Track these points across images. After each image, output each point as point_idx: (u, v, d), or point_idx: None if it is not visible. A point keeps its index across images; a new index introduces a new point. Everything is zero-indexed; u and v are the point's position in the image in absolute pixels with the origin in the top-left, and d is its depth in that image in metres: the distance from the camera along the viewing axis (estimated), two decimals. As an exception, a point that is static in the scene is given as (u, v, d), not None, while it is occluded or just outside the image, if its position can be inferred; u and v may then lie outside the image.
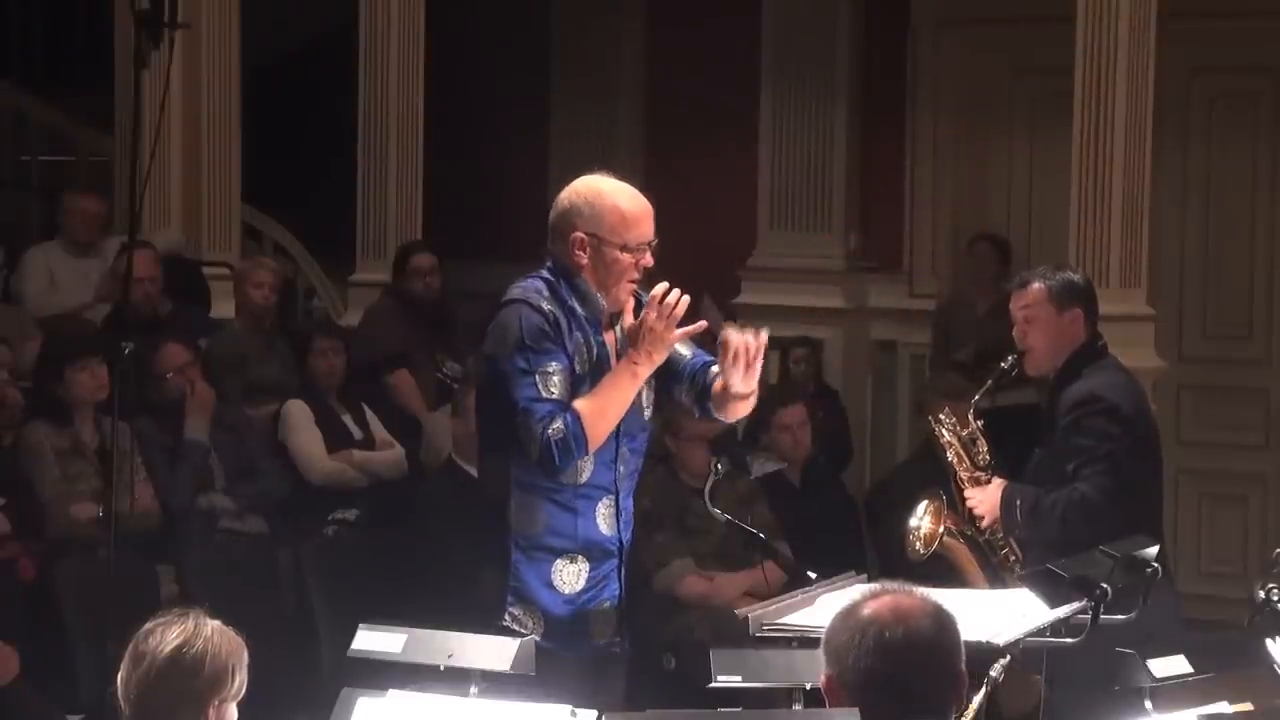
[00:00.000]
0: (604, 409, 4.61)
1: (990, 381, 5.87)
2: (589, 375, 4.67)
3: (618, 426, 4.69)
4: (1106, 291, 7.69)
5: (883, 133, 10.34)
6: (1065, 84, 8.24)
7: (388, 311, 8.94)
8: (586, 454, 4.60)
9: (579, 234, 4.69)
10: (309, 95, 11.14)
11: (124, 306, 6.93)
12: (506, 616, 4.63)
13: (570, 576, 4.67)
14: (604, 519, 4.71)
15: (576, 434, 4.54)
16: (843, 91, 10.25)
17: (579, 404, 4.58)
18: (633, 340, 4.61)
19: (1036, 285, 5.75)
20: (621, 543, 4.77)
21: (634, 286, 4.73)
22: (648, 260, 4.73)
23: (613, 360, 4.70)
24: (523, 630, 4.60)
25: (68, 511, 6.92)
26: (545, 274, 4.74)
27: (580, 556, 4.68)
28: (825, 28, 10.25)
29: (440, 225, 9.77)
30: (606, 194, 4.73)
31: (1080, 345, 5.74)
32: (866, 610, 3.10)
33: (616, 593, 4.75)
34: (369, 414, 8.24)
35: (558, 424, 4.53)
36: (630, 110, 11.07)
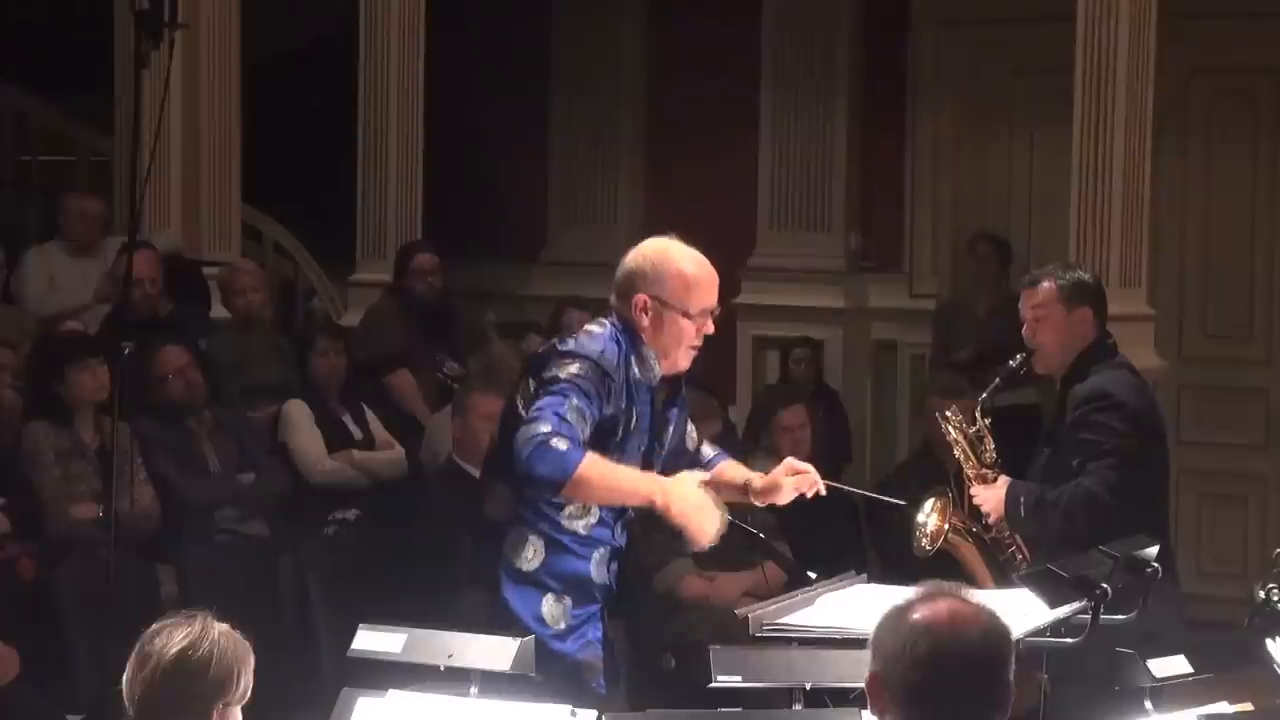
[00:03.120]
0: (609, 482, 4.54)
1: (998, 380, 5.87)
2: (630, 438, 4.67)
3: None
4: (1106, 291, 7.70)
5: (883, 133, 10.34)
6: (1065, 84, 8.24)
7: (388, 311, 8.94)
8: (557, 492, 4.51)
9: (642, 296, 4.68)
10: (309, 95, 11.14)
11: (124, 307, 6.93)
12: None
13: (557, 614, 4.68)
14: (597, 565, 4.74)
15: (571, 462, 4.43)
16: (843, 91, 10.25)
17: (597, 456, 4.51)
18: (672, 512, 4.56)
19: (1046, 284, 5.74)
20: (610, 591, 4.79)
21: (694, 352, 4.74)
22: (709, 327, 4.74)
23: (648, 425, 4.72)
24: None
25: (68, 511, 6.92)
26: (611, 332, 4.70)
27: (566, 596, 4.69)
28: (825, 28, 10.25)
29: (440, 225, 9.77)
30: (672, 258, 4.72)
31: (1089, 344, 5.73)
32: (920, 616, 3.02)
33: (600, 638, 4.76)
34: (369, 414, 8.24)
35: (560, 440, 4.44)
36: (630, 110, 11.06)
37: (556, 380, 4.55)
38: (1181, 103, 9.37)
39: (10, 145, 11.42)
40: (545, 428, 4.46)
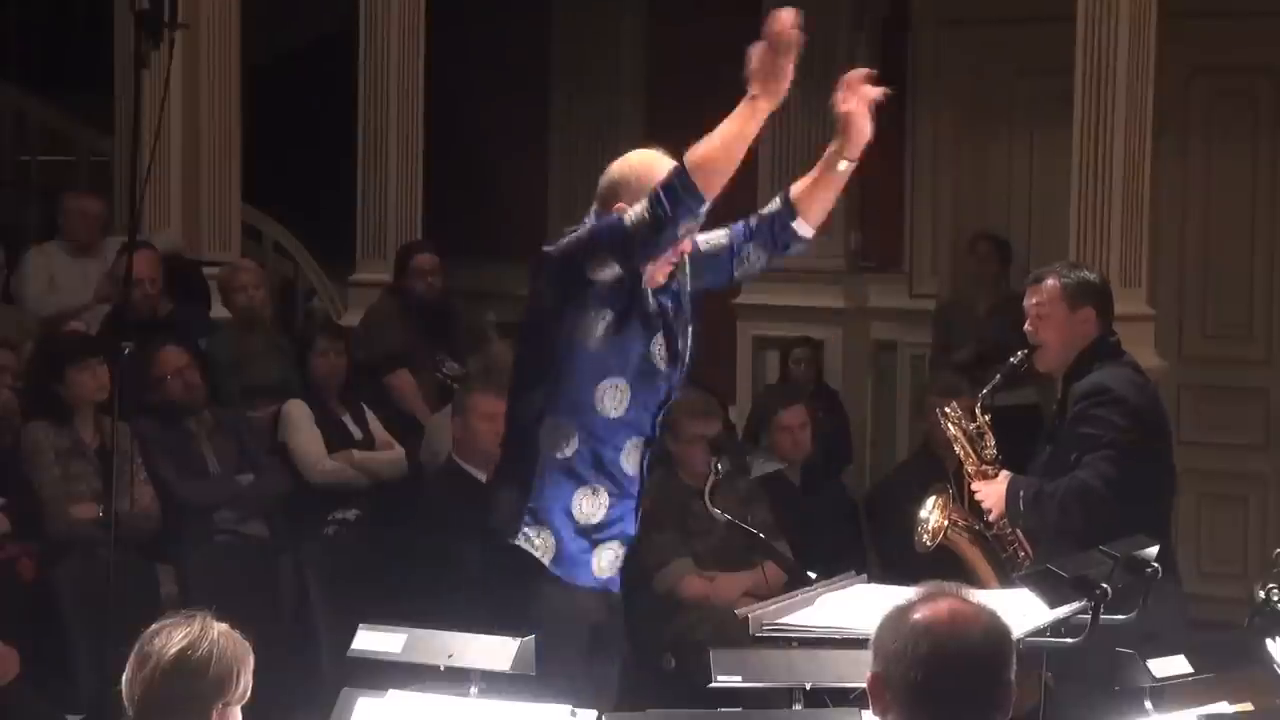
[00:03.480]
0: (717, 147, 4.55)
1: (1000, 377, 5.86)
2: (636, 323, 4.65)
3: (661, 372, 4.69)
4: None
5: (883, 133, 10.32)
6: (1065, 84, 8.24)
7: (388, 311, 8.95)
8: (703, 203, 4.50)
9: (623, 205, 4.67)
10: (309, 95, 11.14)
11: (124, 307, 6.93)
12: (520, 536, 4.63)
13: (589, 507, 4.67)
14: (630, 458, 4.72)
15: (684, 182, 4.46)
16: (843, 91, 10.23)
17: (687, 154, 4.52)
18: (753, 78, 4.65)
19: (1050, 282, 5.73)
20: (642, 483, 4.79)
21: (671, 267, 4.72)
22: (686, 244, 4.72)
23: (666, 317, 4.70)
24: (533, 551, 4.62)
25: (68, 511, 6.92)
26: None
27: (602, 489, 4.68)
28: (825, 27, 10.24)
29: (440, 225, 9.77)
30: (656, 170, 4.70)
31: (1091, 343, 5.72)
32: (921, 617, 3.02)
33: (630, 532, 4.77)
34: (369, 414, 8.24)
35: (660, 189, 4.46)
36: (630, 109, 11.06)
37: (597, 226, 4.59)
38: (1181, 103, 9.37)
39: (10, 145, 11.43)
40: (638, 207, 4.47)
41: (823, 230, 10.60)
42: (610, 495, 4.70)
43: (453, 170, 10.45)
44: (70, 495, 6.96)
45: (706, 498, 6.20)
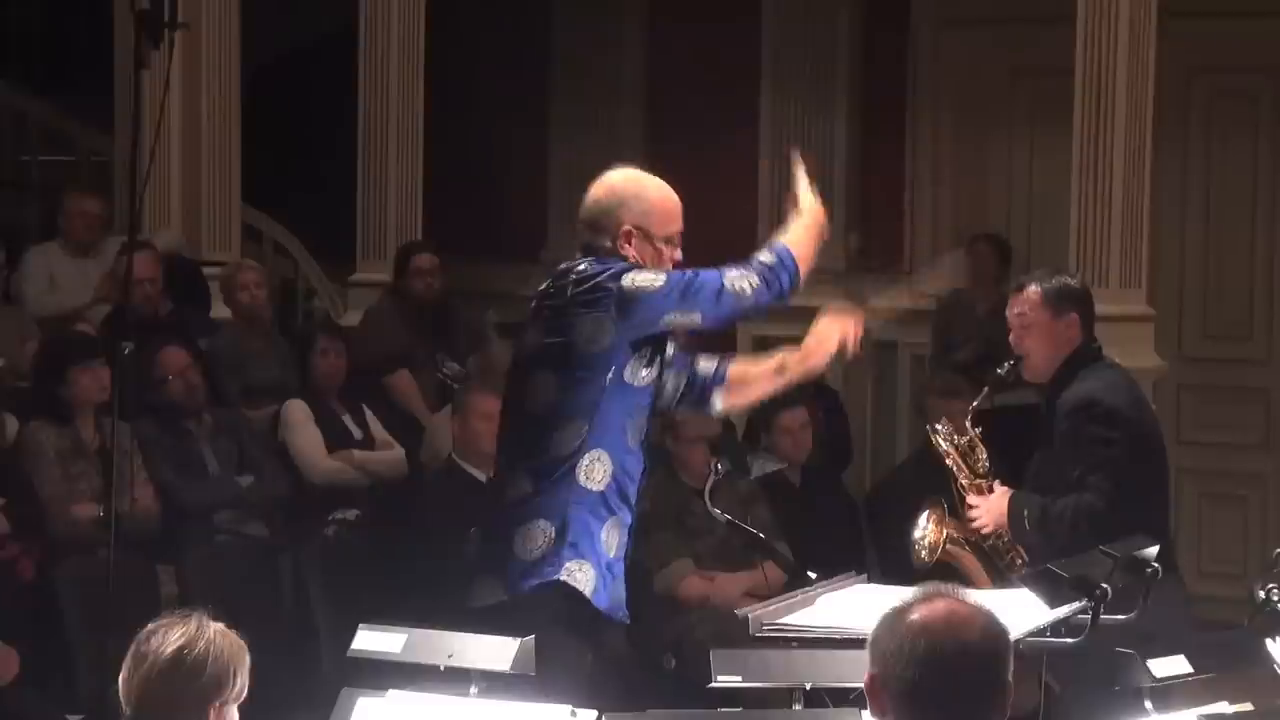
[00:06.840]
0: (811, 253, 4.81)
1: (986, 388, 5.85)
2: (657, 361, 4.68)
3: (650, 409, 4.71)
4: (1106, 291, 7.70)
5: (883, 133, 10.33)
6: (1065, 84, 8.25)
7: (388, 311, 8.95)
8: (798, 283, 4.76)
9: (628, 226, 4.66)
10: (309, 95, 11.14)
11: (124, 307, 6.93)
12: (563, 571, 4.59)
13: (611, 539, 4.67)
14: (637, 487, 4.75)
15: (793, 270, 4.75)
16: (843, 92, 10.24)
17: (796, 249, 4.80)
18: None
19: (1033, 289, 5.72)
20: (634, 523, 4.82)
21: None
22: (678, 254, 4.74)
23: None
24: (576, 585, 4.59)
25: (68, 511, 6.92)
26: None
27: (619, 522, 4.69)
28: (825, 28, 10.25)
29: (440, 225, 9.77)
30: (650, 187, 4.74)
31: (1074, 349, 5.70)
32: (918, 617, 3.02)
33: (624, 563, 4.77)
34: (369, 414, 8.24)
35: (764, 255, 4.68)
36: (630, 110, 11.06)
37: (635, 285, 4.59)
38: (1181, 103, 9.37)
39: (10, 145, 11.43)
40: (742, 271, 4.66)
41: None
42: (623, 527, 4.71)
43: (453, 170, 10.45)
44: (71, 495, 6.96)
45: (706, 498, 6.21)
